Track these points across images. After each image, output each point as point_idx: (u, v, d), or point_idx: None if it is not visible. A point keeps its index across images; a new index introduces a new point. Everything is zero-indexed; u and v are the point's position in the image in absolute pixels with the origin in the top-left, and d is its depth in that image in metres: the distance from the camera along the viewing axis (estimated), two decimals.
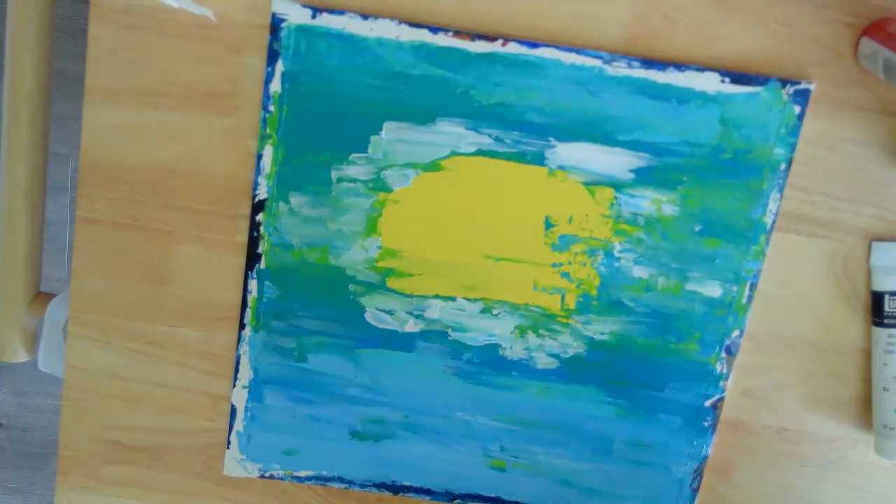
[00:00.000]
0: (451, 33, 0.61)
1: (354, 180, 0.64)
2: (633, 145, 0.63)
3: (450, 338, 0.67)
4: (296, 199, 0.64)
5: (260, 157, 0.63)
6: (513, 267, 0.66)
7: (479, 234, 0.65)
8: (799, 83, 0.62)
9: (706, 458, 0.69)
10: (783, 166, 0.64)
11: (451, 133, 0.63)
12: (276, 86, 0.62)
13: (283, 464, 0.69)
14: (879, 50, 0.60)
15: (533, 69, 0.62)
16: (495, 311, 0.67)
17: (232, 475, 0.70)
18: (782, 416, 0.69)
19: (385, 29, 0.61)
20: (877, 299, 0.66)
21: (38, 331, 0.73)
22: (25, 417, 1.57)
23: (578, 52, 0.62)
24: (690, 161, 0.64)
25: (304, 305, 0.66)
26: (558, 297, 0.66)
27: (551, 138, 0.63)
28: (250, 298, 0.66)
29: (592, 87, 0.62)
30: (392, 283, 0.66)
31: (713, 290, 0.66)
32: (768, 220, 0.65)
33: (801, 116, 0.63)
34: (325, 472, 0.70)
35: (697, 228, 0.65)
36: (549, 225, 0.65)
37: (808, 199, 0.65)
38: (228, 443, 0.69)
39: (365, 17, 0.61)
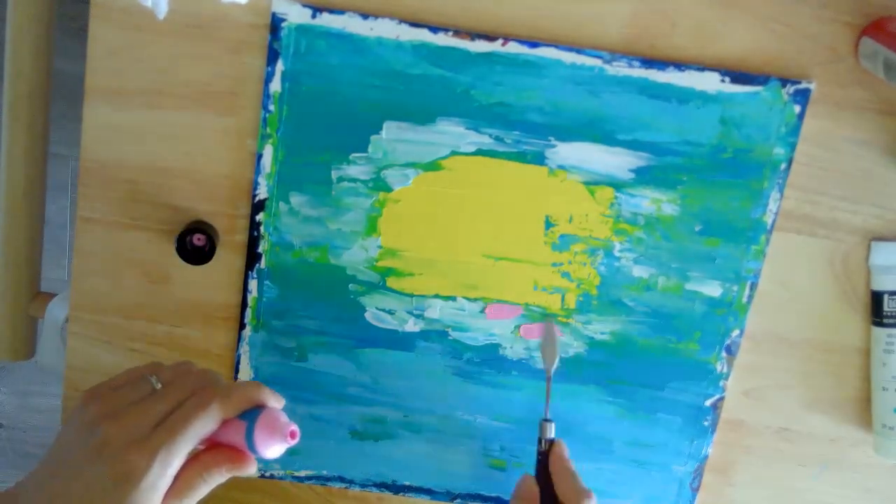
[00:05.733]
0: (451, 33, 0.61)
1: (354, 180, 0.64)
2: (633, 145, 0.63)
3: (450, 337, 0.67)
4: (296, 199, 0.64)
5: (260, 156, 0.63)
6: (513, 266, 0.66)
7: (479, 234, 0.65)
8: (799, 83, 0.62)
9: (706, 457, 0.69)
10: (783, 166, 0.64)
11: (451, 133, 0.63)
12: (276, 85, 0.62)
13: (283, 463, 0.69)
14: (879, 50, 0.60)
15: (533, 69, 0.62)
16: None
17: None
18: (782, 416, 0.69)
19: (385, 28, 0.61)
20: (876, 299, 0.66)
21: (38, 331, 0.73)
22: (25, 417, 1.57)
23: (578, 51, 0.62)
24: (690, 161, 0.64)
25: (304, 305, 0.66)
26: (558, 296, 0.66)
27: (551, 138, 0.63)
28: (250, 298, 0.66)
29: (592, 87, 0.62)
30: (392, 282, 0.66)
31: (713, 289, 0.66)
32: (768, 219, 0.65)
33: (801, 116, 0.63)
34: (325, 472, 0.70)
35: (697, 228, 0.65)
36: (549, 224, 0.65)
37: (808, 198, 0.65)
38: None
39: (365, 16, 0.61)
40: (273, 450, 0.49)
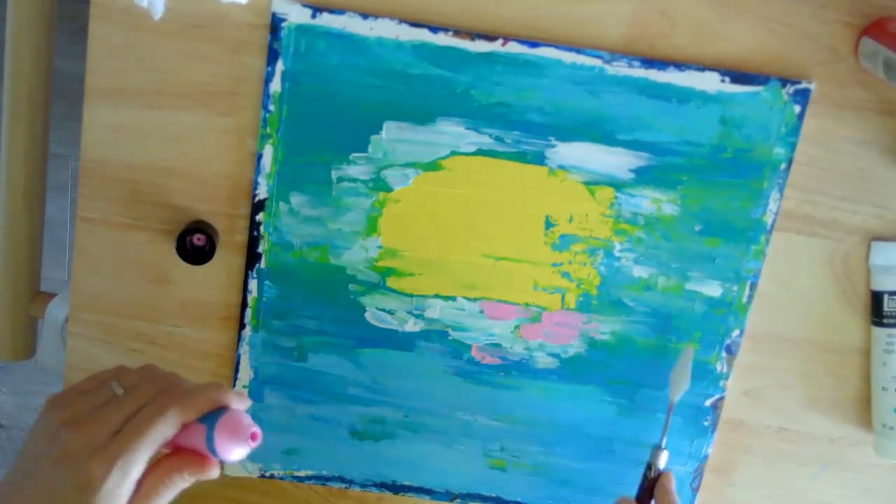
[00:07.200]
0: (450, 33, 0.61)
1: (354, 180, 0.64)
2: (633, 145, 0.63)
3: (450, 337, 0.67)
4: (296, 199, 0.64)
5: (260, 156, 0.63)
6: (513, 266, 0.66)
7: (479, 234, 0.65)
8: (799, 83, 0.62)
9: (706, 457, 0.69)
10: (783, 166, 0.64)
11: (451, 133, 0.63)
12: (276, 85, 0.62)
13: (283, 463, 0.69)
14: (879, 50, 0.60)
15: (533, 69, 0.62)
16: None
17: (232, 475, 0.70)
18: (783, 416, 0.69)
19: (385, 28, 0.61)
20: (876, 299, 0.66)
21: (39, 331, 0.73)
22: (25, 417, 1.57)
23: (578, 51, 0.62)
24: (691, 160, 0.64)
25: (304, 305, 0.66)
26: (558, 296, 0.66)
27: (551, 138, 0.63)
28: (250, 298, 0.66)
29: (592, 87, 0.62)
30: (392, 282, 0.66)
31: (713, 289, 0.66)
32: (768, 219, 0.65)
33: (801, 116, 0.63)
34: (325, 472, 0.70)
35: (697, 228, 0.65)
36: (549, 224, 0.65)
37: (808, 198, 0.65)
38: None
39: (365, 16, 0.61)
40: (235, 453, 0.49)
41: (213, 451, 0.49)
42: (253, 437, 0.48)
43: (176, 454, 0.50)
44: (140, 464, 0.48)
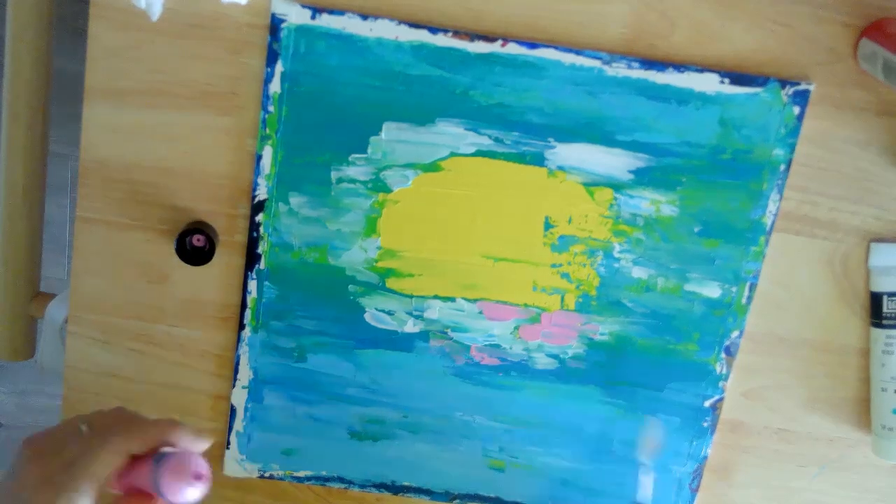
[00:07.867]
0: (450, 33, 0.61)
1: (354, 181, 0.64)
2: (633, 146, 0.63)
3: (449, 338, 0.67)
4: (295, 200, 0.64)
5: (259, 157, 0.63)
6: (512, 267, 0.66)
7: (479, 235, 0.65)
8: (798, 84, 0.62)
9: (705, 458, 0.69)
10: (783, 167, 0.64)
11: (450, 133, 0.63)
12: (275, 86, 0.62)
13: (282, 464, 0.69)
14: (879, 51, 0.60)
15: (532, 69, 0.62)
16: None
17: (231, 475, 0.70)
18: (782, 416, 0.69)
19: (384, 29, 0.61)
20: (875, 300, 0.66)
21: (39, 331, 0.73)
22: (25, 417, 1.57)
23: (578, 52, 0.62)
24: (690, 162, 0.64)
25: (304, 305, 0.66)
26: (558, 297, 0.66)
27: (551, 139, 0.63)
28: (250, 298, 0.66)
29: (592, 88, 0.62)
30: (391, 283, 0.66)
31: (712, 290, 0.66)
32: (768, 220, 0.65)
33: (800, 117, 0.63)
34: (324, 472, 0.70)
35: (697, 229, 0.65)
36: (548, 225, 0.65)
37: (808, 199, 0.65)
38: (228, 443, 0.69)
39: (364, 17, 0.61)
40: (185, 493, 0.46)
41: (160, 492, 0.47)
42: (196, 476, 0.46)
43: (128, 497, 0.50)
44: (84, 495, 0.47)
